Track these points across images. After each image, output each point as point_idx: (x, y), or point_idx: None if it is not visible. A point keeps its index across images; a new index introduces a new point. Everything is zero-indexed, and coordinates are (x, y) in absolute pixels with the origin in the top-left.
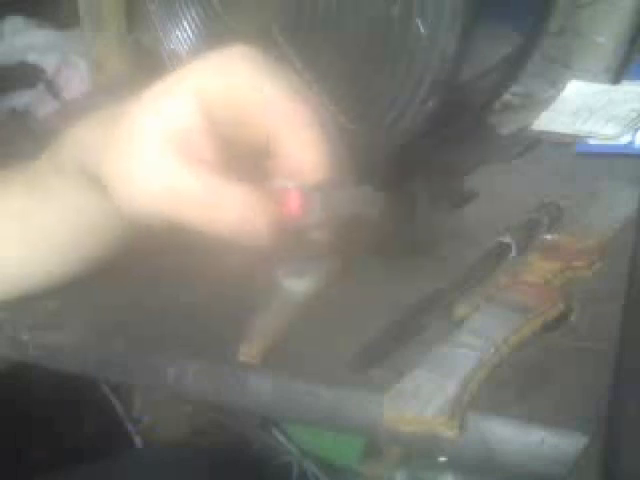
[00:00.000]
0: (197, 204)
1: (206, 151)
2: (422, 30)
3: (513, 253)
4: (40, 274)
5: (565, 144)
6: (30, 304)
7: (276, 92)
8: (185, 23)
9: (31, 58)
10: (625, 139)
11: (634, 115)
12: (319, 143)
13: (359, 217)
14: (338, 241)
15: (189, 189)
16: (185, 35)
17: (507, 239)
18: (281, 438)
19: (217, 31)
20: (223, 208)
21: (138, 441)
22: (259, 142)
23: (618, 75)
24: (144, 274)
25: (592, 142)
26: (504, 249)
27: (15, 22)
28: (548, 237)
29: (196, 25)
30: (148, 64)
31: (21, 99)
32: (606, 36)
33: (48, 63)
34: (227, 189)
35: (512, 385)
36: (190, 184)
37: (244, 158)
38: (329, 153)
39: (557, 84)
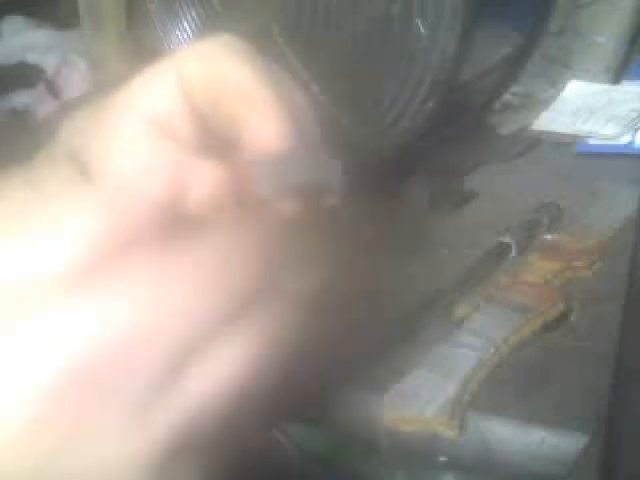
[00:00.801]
0: (165, 178)
1: (184, 134)
2: (422, 30)
3: (513, 253)
4: (39, 267)
5: (565, 144)
6: None
7: (248, 75)
8: (185, 23)
9: (31, 58)
10: (625, 139)
11: (634, 115)
12: (279, 114)
13: (319, 187)
14: (300, 212)
15: (160, 164)
16: (185, 35)
17: (507, 239)
18: (281, 438)
19: (217, 31)
20: (192, 181)
21: None
22: (234, 128)
23: (618, 75)
24: None
25: (592, 142)
26: (504, 249)
27: (15, 22)
28: (548, 237)
29: (196, 25)
30: (148, 64)
31: (21, 99)
32: (606, 36)
33: (48, 63)
34: (198, 164)
35: (512, 385)
36: (161, 159)
37: (224, 145)
38: (293, 126)
39: (557, 84)
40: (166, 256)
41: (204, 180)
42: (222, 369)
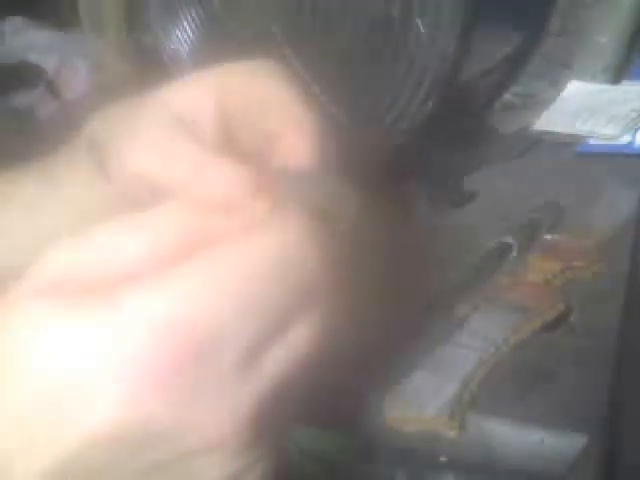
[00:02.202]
0: (181, 175)
1: (210, 141)
2: (422, 30)
3: (514, 253)
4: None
5: (565, 144)
6: None
7: (290, 98)
8: (185, 23)
9: (31, 58)
10: (625, 139)
11: (634, 115)
12: (314, 137)
13: (328, 212)
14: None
15: (177, 161)
16: (185, 35)
17: (509, 239)
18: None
19: (217, 31)
20: (207, 179)
21: None
22: (264, 146)
23: (618, 75)
24: None
25: (592, 142)
26: (505, 249)
27: (15, 22)
28: (548, 237)
29: (196, 25)
30: (148, 64)
31: (22, 99)
32: (606, 36)
33: (48, 63)
34: (216, 165)
35: (512, 385)
36: (179, 157)
37: (246, 157)
38: (321, 147)
39: (558, 84)
40: (239, 249)
41: (225, 178)
42: (293, 352)
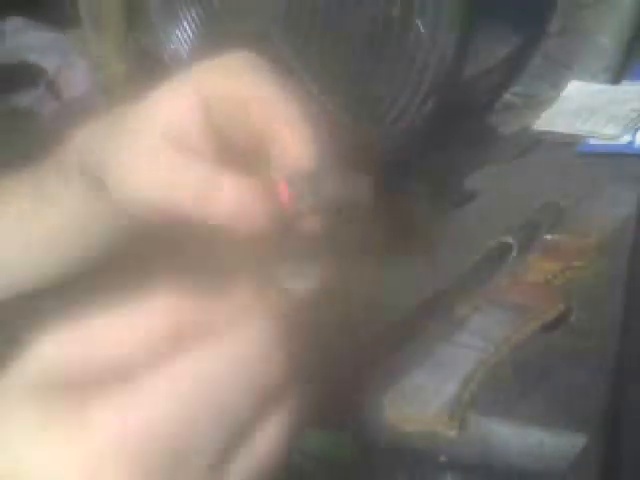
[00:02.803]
0: (192, 194)
1: (204, 148)
2: (422, 30)
3: (514, 253)
4: (37, 276)
5: (565, 144)
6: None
7: (274, 93)
8: (185, 23)
9: (32, 58)
10: (625, 139)
11: (634, 115)
12: (310, 134)
13: (349, 202)
14: (332, 228)
15: (184, 181)
16: (185, 35)
17: (509, 239)
18: None
19: (217, 31)
20: (218, 197)
21: None
22: (257, 143)
23: (618, 75)
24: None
25: (592, 142)
26: (505, 249)
27: (15, 22)
28: (548, 237)
29: (196, 25)
30: (148, 64)
31: (22, 99)
32: (606, 36)
33: (49, 63)
34: (222, 179)
35: (512, 385)
36: (185, 175)
37: (242, 158)
38: (320, 143)
39: (558, 84)
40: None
41: (228, 195)
42: (262, 452)
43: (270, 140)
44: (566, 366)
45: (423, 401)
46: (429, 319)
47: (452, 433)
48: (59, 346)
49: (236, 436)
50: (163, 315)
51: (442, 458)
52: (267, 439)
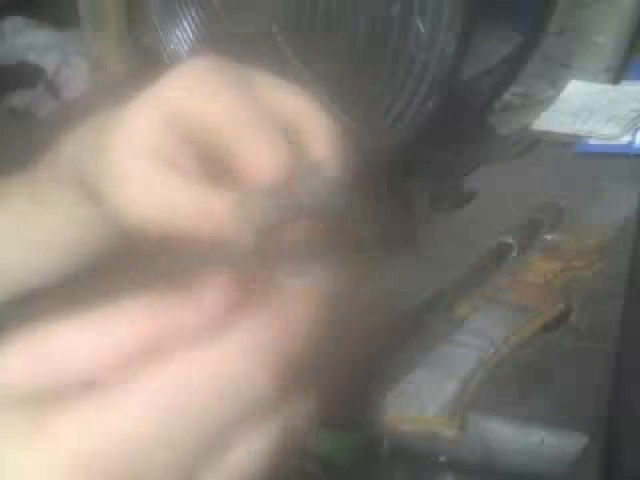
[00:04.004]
0: (188, 212)
1: (181, 162)
2: (422, 30)
3: (514, 253)
4: (32, 279)
5: (565, 144)
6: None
7: (232, 100)
8: (185, 23)
9: (31, 58)
10: (625, 139)
11: (634, 115)
12: (273, 142)
13: (324, 209)
14: (323, 231)
15: (176, 200)
16: (185, 35)
17: (509, 239)
18: None
19: (217, 31)
20: (214, 213)
21: None
22: (223, 156)
23: (618, 75)
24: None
25: (592, 142)
26: (505, 249)
27: (15, 22)
28: (548, 237)
29: (196, 25)
30: (148, 64)
31: (21, 99)
32: (606, 36)
33: (48, 63)
34: (214, 195)
35: (512, 385)
36: (178, 194)
37: (218, 166)
38: (285, 151)
39: (557, 84)
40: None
41: (219, 212)
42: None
43: (231, 154)
44: (566, 366)
45: (423, 401)
46: (429, 319)
47: (452, 433)
48: (21, 357)
49: (210, 452)
50: (137, 324)
51: (442, 458)
52: (250, 454)
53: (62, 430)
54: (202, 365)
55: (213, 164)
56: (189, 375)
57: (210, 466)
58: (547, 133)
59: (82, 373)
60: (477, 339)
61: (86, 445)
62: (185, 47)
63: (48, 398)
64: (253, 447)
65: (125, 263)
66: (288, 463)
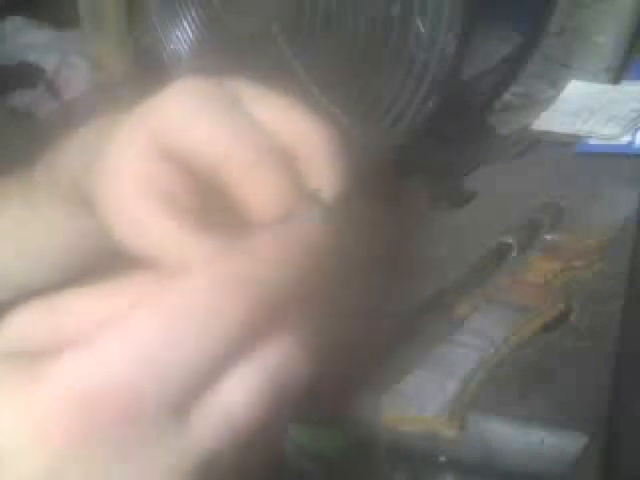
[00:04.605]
0: (156, 249)
1: (174, 194)
2: (422, 30)
3: (514, 253)
4: (23, 283)
5: (565, 144)
6: None
7: (212, 130)
8: (185, 23)
9: (31, 58)
10: (625, 139)
11: (634, 115)
12: (272, 173)
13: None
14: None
15: (164, 242)
16: (185, 35)
17: (509, 239)
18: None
19: (217, 31)
20: (179, 255)
21: None
22: (222, 183)
23: (618, 75)
24: None
25: (592, 142)
26: (505, 249)
27: (15, 22)
28: (548, 237)
29: (196, 25)
30: (148, 64)
31: (21, 99)
32: (606, 36)
33: (48, 63)
34: (197, 243)
35: (512, 385)
36: (165, 237)
37: (214, 198)
38: (285, 181)
39: (557, 84)
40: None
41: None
42: (247, 386)
43: (229, 185)
44: (566, 366)
45: (423, 401)
46: (429, 319)
47: (452, 433)
48: (27, 316)
49: (201, 383)
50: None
51: (442, 458)
52: (241, 388)
53: (50, 373)
54: (178, 300)
55: (209, 195)
56: (168, 311)
57: (197, 403)
58: (547, 133)
59: (83, 332)
60: (477, 339)
61: (74, 385)
62: (185, 47)
63: (44, 355)
64: (238, 387)
65: (115, 270)
66: (278, 421)
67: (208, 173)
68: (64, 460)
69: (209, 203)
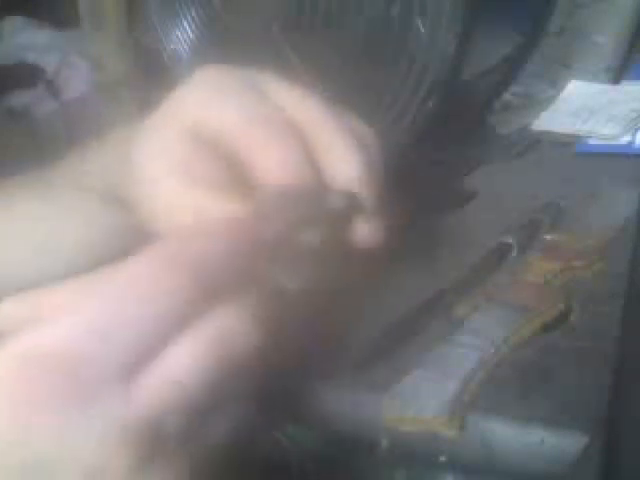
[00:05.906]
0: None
1: (205, 173)
2: (422, 30)
3: (514, 253)
4: (39, 280)
5: (565, 144)
6: None
7: (249, 109)
8: (185, 23)
9: (31, 58)
10: (625, 139)
11: (634, 115)
12: (289, 150)
13: (335, 214)
14: (330, 239)
15: (206, 210)
16: (185, 35)
17: (508, 239)
18: (280, 437)
19: (217, 31)
20: (238, 216)
21: None
22: (242, 160)
23: (618, 75)
24: None
25: (592, 142)
26: (505, 249)
27: (15, 22)
28: (548, 237)
29: (196, 25)
30: (148, 64)
31: (21, 99)
32: (606, 36)
33: (48, 63)
34: (237, 203)
35: (512, 385)
36: (206, 206)
37: (236, 174)
38: (301, 159)
39: (557, 84)
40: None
41: (242, 215)
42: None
43: (248, 162)
44: (566, 366)
45: (422, 401)
46: (429, 319)
47: (452, 433)
48: (9, 305)
49: (145, 352)
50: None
51: (442, 458)
52: (186, 355)
53: (7, 344)
54: (127, 280)
55: (232, 172)
56: (117, 289)
57: (142, 370)
58: (547, 133)
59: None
60: (477, 339)
61: (25, 353)
62: (185, 47)
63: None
64: (183, 354)
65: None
66: (234, 390)
67: (232, 152)
68: (4, 420)
69: (232, 178)
